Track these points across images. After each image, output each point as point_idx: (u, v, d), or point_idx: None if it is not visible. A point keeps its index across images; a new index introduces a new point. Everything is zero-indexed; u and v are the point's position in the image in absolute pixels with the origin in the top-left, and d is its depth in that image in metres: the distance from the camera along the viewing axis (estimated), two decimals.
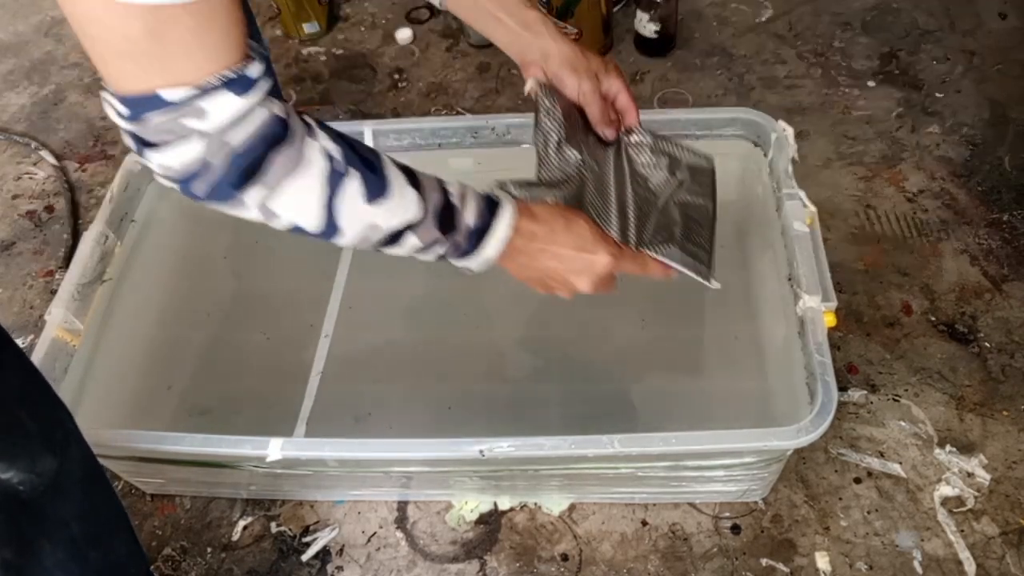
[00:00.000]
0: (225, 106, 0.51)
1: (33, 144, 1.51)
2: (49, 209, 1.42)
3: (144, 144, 0.52)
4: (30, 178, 1.47)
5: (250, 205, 0.56)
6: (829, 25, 1.52)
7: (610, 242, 0.73)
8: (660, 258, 0.78)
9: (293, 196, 0.57)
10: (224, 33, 0.49)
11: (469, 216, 0.66)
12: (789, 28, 1.52)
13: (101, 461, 0.94)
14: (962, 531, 0.94)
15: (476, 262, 0.69)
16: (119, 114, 0.51)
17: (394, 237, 0.64)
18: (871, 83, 1.41)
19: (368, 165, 0.60)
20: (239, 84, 0.51)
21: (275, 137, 0.54)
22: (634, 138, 0.91)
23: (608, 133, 0.86)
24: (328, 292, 0.94)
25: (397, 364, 1.01)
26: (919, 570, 0.92)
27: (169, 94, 0.49)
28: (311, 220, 0.59)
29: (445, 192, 0.66)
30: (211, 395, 1.01)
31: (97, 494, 0.73)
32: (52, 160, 1.48)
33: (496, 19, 0.81)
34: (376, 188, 0.60)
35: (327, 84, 1.55)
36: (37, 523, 0.66)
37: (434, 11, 1.66)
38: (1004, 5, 1.51)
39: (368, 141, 1.07)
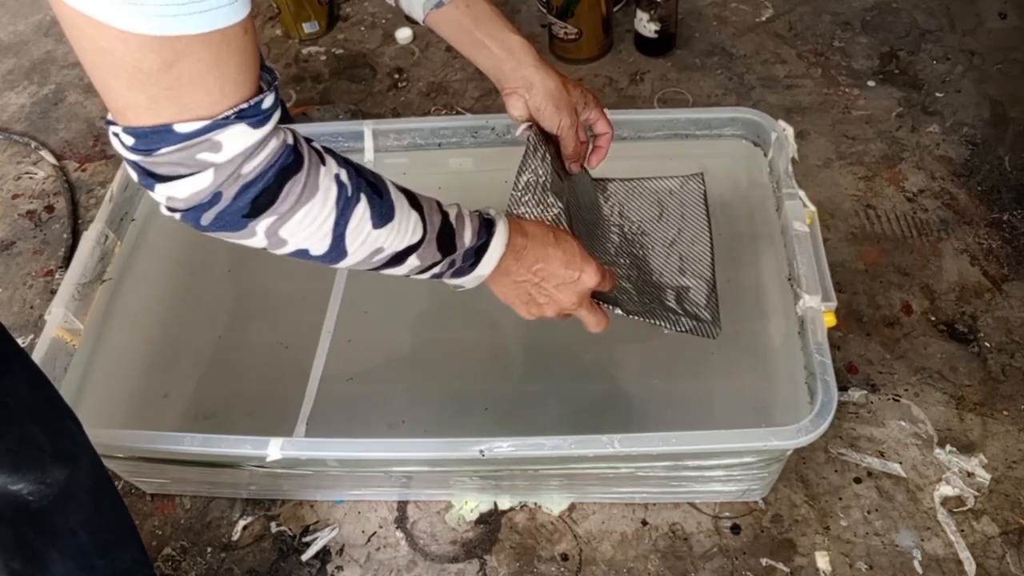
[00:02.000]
0: (240, 138, 0.50)
1: (33, 144, 1.51)
2: (49, 209, 1.42)
3: (151, 176, 0.51)
4: (30, 178, 1.47)
5: (259, 233, 0.55)
6: (829, 25, 1.52)
7: (595, 261, 0.74)
8: (657, 323, 0.83)
9: (303, 223, 0.56)
10: (239, 65, 0.49)
11: (467, 236, 0.67)
12: (789, 28, 1.52)
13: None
14: (962, 531, 0.94)
15: (470, 279, 0.70)
16: (127, 147, 0.49)
17: (396, 259, 0.64)
18: (871, 83, 1.41)
19: (374, 189, 0.60)
20: (254, 116, 0.50)
21: (289, 166, 0.54)
22: (614, 187, 0.95)
23: (574, 167, 0.88)
24: (329, 291, 0.94)
25: (397, 364, 1.01)
26: (919, 570, 0.92)
27: (183, 127, 0.48)
28: (319, 246, 0.59)
29: (444, 213, 0.66)
30: (211, 394, 1.01)
31: (105, 503, 0.73)
32: (52, 160, 1.48)
33: (478, 42, 0.81)
34: (382, 212, 0.60)
35: (327, 84, 1.55)
36: (46, 533, 0.66)
37: None
38: (1004, 5, 1.51)
39: (368, 141, 1.07)
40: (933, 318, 1.11)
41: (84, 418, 0.76)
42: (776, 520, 0.96)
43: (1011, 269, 1.15)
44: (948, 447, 1.00)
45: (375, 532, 1.00)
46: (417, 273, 0.67)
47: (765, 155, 1.01)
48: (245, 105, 0.49)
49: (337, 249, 0.59)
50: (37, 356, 0.88)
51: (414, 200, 0.64)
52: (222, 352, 1.04)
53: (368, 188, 0.60)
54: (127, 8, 0.42)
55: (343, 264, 0.62)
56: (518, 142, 1.06)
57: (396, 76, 1.54)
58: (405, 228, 0.62)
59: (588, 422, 0.94)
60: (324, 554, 0.99)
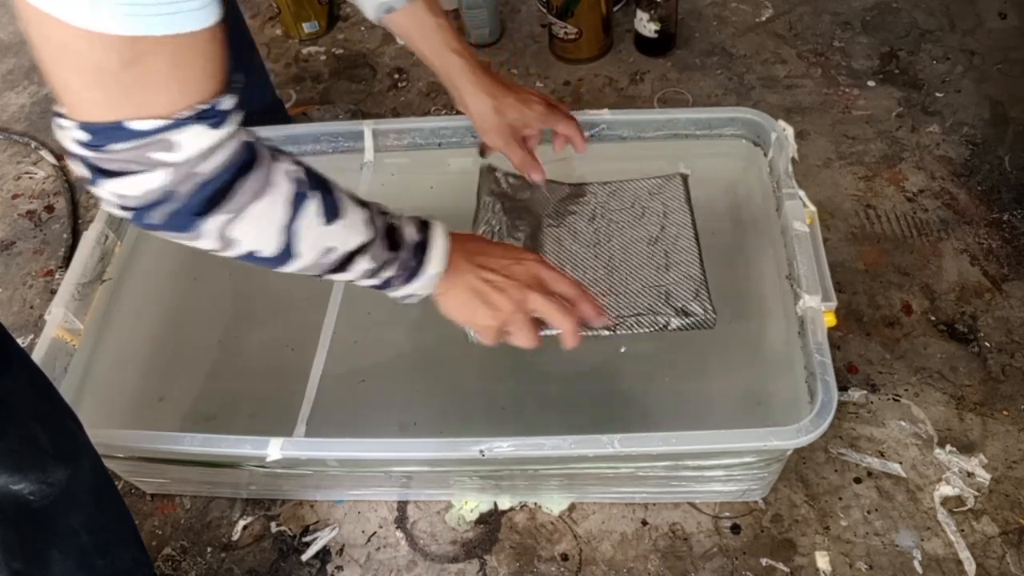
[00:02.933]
0: (197, 139, 0.50)
1: (33, 144, 1.51)
2: (49, 209, 1.42)
3: (100, 172, 0.50)
4: (30, 178, 1.47)
5: (209, 233, 0.55)
6: (829, 25, 1.52)
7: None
8: (645, 330, 0.85)
9: (255, 221, 0.56)
10: (202, 70, 0.48)
11: (410, 231, 0.67)
12: (789, 28, 1.52)
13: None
14: (962, 531, 0.94)
15: (422, 281, 0.69)
16: (78, 141, 0.49)
17: (347, 260, 0.63)
18: (871, 83, 1.41)
19: (324, 187, 0.61)
20: (212, 117, 0.50)
21: (244, 164, 0.54)
22: (590, 191, 0.97)
23: (535, 177, 0.92)
24: (328, 291, 0.94)
25: (398, 363, 1.01)
26: (919, 570, 0.92)
27: (138, 125, 0.48)
28: (269, 244, 0.58)
29: (385, 212, 0.67)
30: (210, 394, 1.01)
31: (106, 503, 0.73)
32: (52, 160, 1.48)
33: (425, 56, 0.85)
34: (332, 209, 0.61)
35: (327, 84, 1.55)
36: (47, 533, 0.66)
37: None
38: (1004, 5, 1.51)
39: (368, 141, 1.07)
40: (933, 318, 1.11)
41: (84, 418, 0.76)
42: (776, 520, 0.96)
43: (1011, 269, 1.15)
44: (948, 447, 1.00)
45: (375, 532, 1.00)
46: (367, 277, 0.66)
47: (765, 155, 1.01)
48: (204, 107, 0.49)
49: (288, 248, 0.59)
50: (37, 356, 0.88)
51: (358, 200, 0.64)
52: (222, 352, 1.04)
53: (319, 186, 0.60)
54: (91, 7, 0.42)
55: (294, 266, 0.61)
56: None
57: (396, 76, 1.54)
58: (355, 225, 0.62)
59: (588, 422, 0.94)
60: (324, 554, 0.99)
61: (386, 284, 0.68)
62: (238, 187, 0.53)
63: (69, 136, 0.49)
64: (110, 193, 0.51)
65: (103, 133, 0.48)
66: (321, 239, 0.61)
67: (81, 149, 0.49)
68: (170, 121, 0.48)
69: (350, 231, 0.62)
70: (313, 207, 0.59)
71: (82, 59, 0.45)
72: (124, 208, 0.52)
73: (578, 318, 0.76)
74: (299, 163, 0.60)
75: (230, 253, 0.58)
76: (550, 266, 0.76)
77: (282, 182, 0.57)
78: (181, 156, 0.50)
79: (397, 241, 0.66)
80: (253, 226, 0.56)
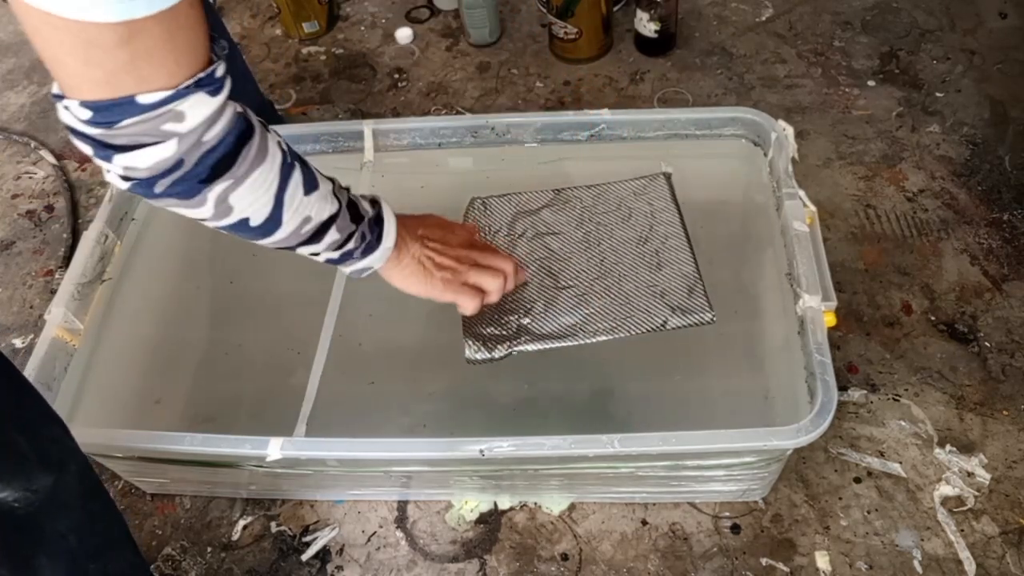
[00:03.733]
0: (201, 107, 0.51)
1: (33, 144, 1.51)
2: (49, 208, 1.42)
3: (109, 148, 0.51)
4: (30, 177, 1.47)
5: (210, 200, 0.57)
6: (829, 24, 1.52)
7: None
8: (642, 331, 0.86)
9: (253, 187, 0.58)
10: (191, 38, 0.50)
11: (365, 205, 0.71)
12: (789, 27, 1.52)
13: (101, 461, 0.94)
14: (962, 531, 0.94)
15: (378, 254, 0.73)
16: (82, 120, 0.50)
17: (320, 230, 0.66)
18: (871, 83, 1.41)
19: (301, 160, 0.64)
20: (210, 85, 0.52)
21: (243, 131, 0.56)
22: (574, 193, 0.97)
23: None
24: (328, 291, 0.94)
25: (398, 363, 1.01)
26: (919, 570, 0.92)
27: (145, 99, 0.49)
28: (262, 212, 0.60)
29: (343, 187, 0.70)
30: (210, 394, 1.01)
31: (95, 507, 0.73)
32: (52, 159, 1.48)
33: None
34: (311, 180, 0.64)
35: (327, 83, 1.55)
36: (34, 538, 0.66)
37: (434, 11, 1.66)
38: (1004, 4, 1.51)
39: (368, 141, 1.07)
40: (933, 318, 1.11)
41: (84, 418, 0.76)
42: (776, 520, 0.96)
43: (1011, 269, 1.15)
44: (948, 447, 1.00)
45: (375, 532, 1.00)
46: (334, 249, 0.69)
47: (765, 155, 1.01)
48: (202, 75, 0.51)
49: (275, 217, 0.61)
50: (37, 356, 0.88)
51: (322, 174, 0.67)
52: (222, 352, 1.04)
53: (296, 157, 0.63)
54: (80, 2, 0.44)
55: (275, 237, 0.64)
56: (518, 141, 1.07)
57: (396, 76, 1.54)
58: (326, 197, 0.66)
59: (588, 422, 0.94)
60: (324, 554, 0.99)
61: (346, 257, 0.71)
62: (241, 154, 0.56)
63: (71, 115, 0.50)
64: (121, 167, 0.53)
65: (111, 110, 0.49)
66: (302, 208, 0.63)
67: (88, 128, 0.50)
68: (174, 91, 0.50)
69: (323, 202, 0.65)
70: (297, 176, 0.62)
71: (76, 42, 0.46)
72: (130, 180, 0.54)
73: (504, 279, 0.83)
74: (279, 134, 0.62)
75: (223, 222, 0.60)
76: (471, 228, 0.86)
77: (275, 150, 0.59)
78: (189, 125, 0.51)
79: (358, 212, 0.70)
80: (250, 192, 0.58)
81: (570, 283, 0.89)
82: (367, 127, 1.06)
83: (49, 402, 0.69)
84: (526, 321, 0.86)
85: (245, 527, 1.02)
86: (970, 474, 0.97)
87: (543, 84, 1.49)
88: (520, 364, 0.98)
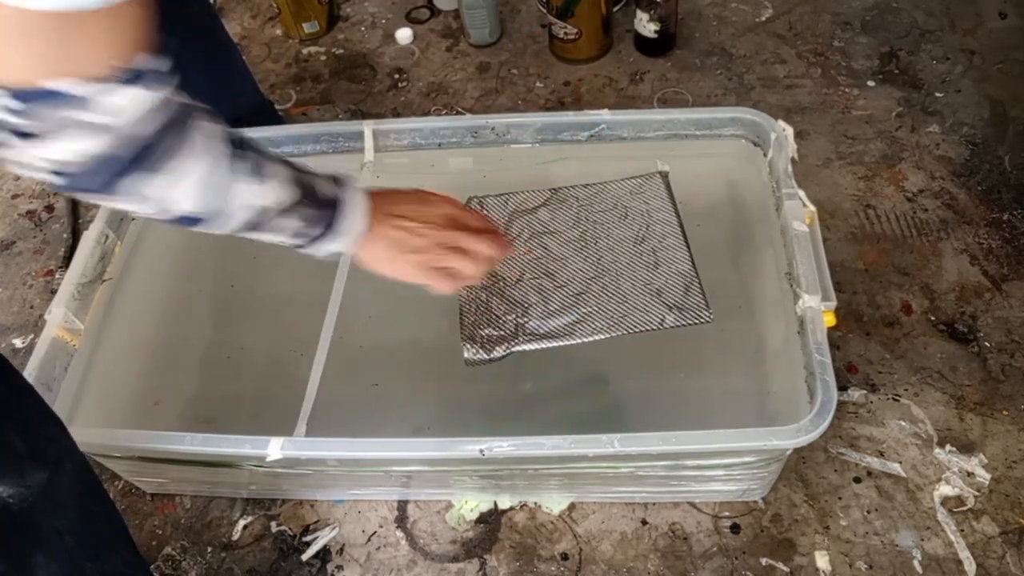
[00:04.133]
0: (135, 101, 0.49)
1: None
2: (49, 208, 1.42)
3: (29, 137, 0.48)
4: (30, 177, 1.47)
5: (147, 196, 0.55)
6: (829, 25, 1.52)
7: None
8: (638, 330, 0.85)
9: (193, 180, 0.56)
10: (135, 34, 0.48)
11: (329, 188, 0.68)
12: (789, 28, 1.52)
13: (101, 461, 0.94)
14: (962, 531, 0.94)
15: (345, 236, 0.69)
16: (6, 108, 0.47)
17: (278, 218, 0.64)
18: (871, 83, 1.41)
19: (251, 146, 0.61)
20: (149, 79, 0.50)
21: (182, 124, 0.54)
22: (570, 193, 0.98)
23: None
24: (328, 291, 0.94)
25: (398, 363, 1.01)
26: (919, 569, 0.92)
27: (73, 88, 0.47)
28: (206, 204, 0.58)
29: (304, 170, 0.67)
30: (211, 394, 1.01)
31: (92, 506, 0.72)
32: None
33: None
34: (262, 168, 0.61)
35: (327, 84, 1.55)
36: (30, 535, 0.65)
37: (434, 11, 1.66)
38: (1004, 4, 1.51)
39: (368, 141, 1.07)
40: (933, 318, 1.11)
41: (84, 418, 0.76)
42: (776, 520, 0.96)
43: (1011, 269, 1.15)
44: (948, 447, 1.00)
45: (375, 532, 1.00)
46: (295, 236, 0.66)
47: (765, 155, 1.01)
48: (141, 68, 0.49)
49: (222, 207, 0.59)
50: (37, 356, 0.88)
51: (280, 158, 0.65)
52: (222, 352, 1.04)
53: (247, 145, 0.60)
54: None
55: (227, 226, 0.61)
56: (518, 141, 1.07)
57: (396, 76, 1.54)
58: (284, 184, 0.63)
59: (588, 422, 0.94)
60: (324, 553, 0.99)
61: (311, 242, 0.68)
62: (176, 148, 0.53)
63: None
64: (36, 157, 0.50)
65: (37, 99, 0.47)
66: (251, 198, 0.61)
67: (10, 116, 0.47)
68: (107, 83, 0.48)
69: (280, 190, 0.63)
70: (246, 165, 0.60)
71: (9, 26, 0.44)
72: (55, 173, 0.51)
73: (486, 263, 0.77)
74: (225, 123, 0.60)
75: (165, 216, 0.58)
76: (458, 204, 0.77)
77: (217, 142, 0.57)
78: (119, 119, 0.49)
79: (319, 199, 0.67)
80: (191, 185, 0.56)
81: (567, 282, 0.90)
82: (367, 127, 1.07)
83: (49, 402, 0.69)
84: (524, 321, 0.86)
85: (245, 527, 1.02)
86: (970, 474, 0.97)
87: (543, 84, 1.49)
88: (520, 364, 0.98)
